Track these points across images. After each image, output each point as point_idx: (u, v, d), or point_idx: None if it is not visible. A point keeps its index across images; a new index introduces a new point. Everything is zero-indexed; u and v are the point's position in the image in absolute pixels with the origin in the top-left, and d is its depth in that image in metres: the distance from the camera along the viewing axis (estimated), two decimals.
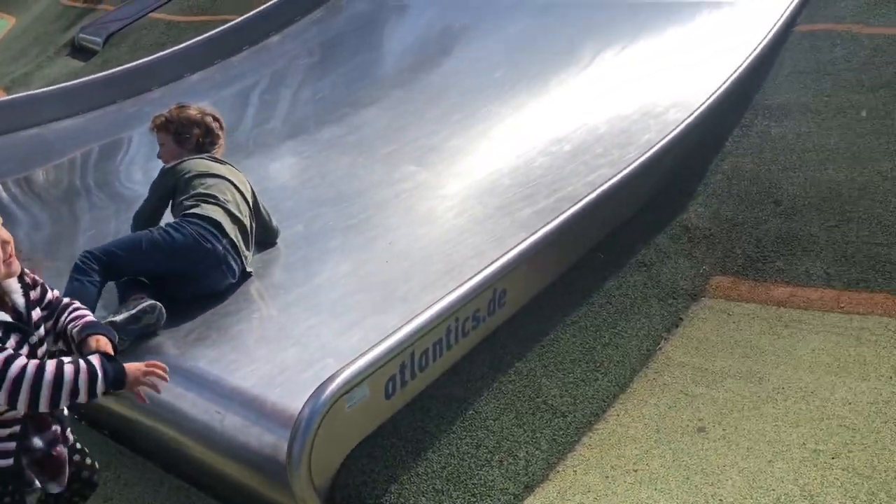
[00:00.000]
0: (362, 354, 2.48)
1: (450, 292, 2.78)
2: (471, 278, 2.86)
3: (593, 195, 3.66)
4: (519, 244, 3.13)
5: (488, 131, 5.01)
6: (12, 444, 1.96)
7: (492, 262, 2.99)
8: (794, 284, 3.57)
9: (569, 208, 3.50)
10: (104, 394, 1.90)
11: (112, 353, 2.00)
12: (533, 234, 3.24)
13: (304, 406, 2.31)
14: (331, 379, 2.36)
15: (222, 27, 7.15)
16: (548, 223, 3.34)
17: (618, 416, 2.97)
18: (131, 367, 1.97)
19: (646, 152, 4.02)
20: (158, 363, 2.03)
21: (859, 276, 3.51)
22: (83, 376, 1.84)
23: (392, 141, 5.02)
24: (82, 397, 1.86)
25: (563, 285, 3.45)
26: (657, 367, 3.22)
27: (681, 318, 3.50)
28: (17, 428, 1.94)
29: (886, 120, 4.19)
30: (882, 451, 2.66)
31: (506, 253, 3.07)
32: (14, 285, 1.96)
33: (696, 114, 4.28)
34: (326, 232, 3.93)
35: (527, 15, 6.48)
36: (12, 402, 1.80)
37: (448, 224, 3.91)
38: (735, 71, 4.60)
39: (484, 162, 4.62)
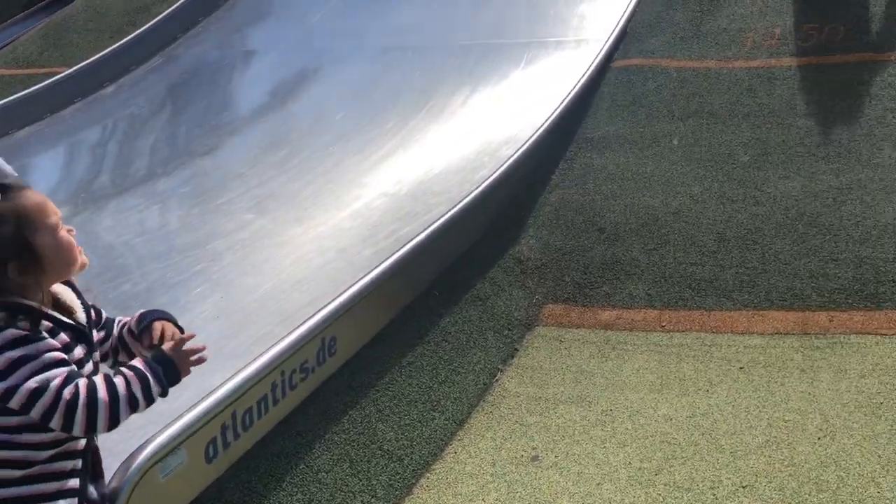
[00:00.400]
0: (176, 419, 2.39)
1: (271, 346, 2.73)
2: (294, 329, 2.82)
3: (425, 233, 3.72)
4: (346, 290, 3.12)
5: (328, 174, 4.99)
6: (76, 482, 1.75)
7: (317, 311, 2.95)
8: (620, 307, 3.74)
9: (399, 249, 3.53)
10: (163, 394, 1.77)
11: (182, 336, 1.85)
12: (361, 278, 3.24)
13: (111, 479, 2.18)
14: (140, 448, 2.25)
15: (52, 79, 6.82)
16: (376, 266, 3.35)
17: (455, 453, 2.99)
18: (171, 354, 1.80)
19: (476, 188, 4.13)
20: (183, 338, 1.85)
21: (677, 296, 3.71)
22: (135, 385, 1.70)
23: (228, 190, 4.91)
24: (142, 407, 1.72)
25: (398, 326, 3.46)
26: (493, 400, 3.27)
27: (516, 349, 3.58)
28: (78, 462, 1.75)
29: (695, 147, 4.49)
30: (700, 462, 2.80)
31: (333, 300, 3.04)
32: (77, 303, 1.79)
33: (522, 149, 4.45)
34: (155, 289, 3.79)
35: (367, 57, 6.54)
36: (67, 424, 1.62)
37: (284, 273, 3.85)
38: (557, 107, 4.82)
39: (324, 206, 4.59)
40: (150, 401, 1.73)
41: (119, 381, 1.69)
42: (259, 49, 7.47)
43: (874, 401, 2.96)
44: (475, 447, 3.01)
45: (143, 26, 7.27)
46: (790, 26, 5.20)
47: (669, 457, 2.85)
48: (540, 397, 3.26)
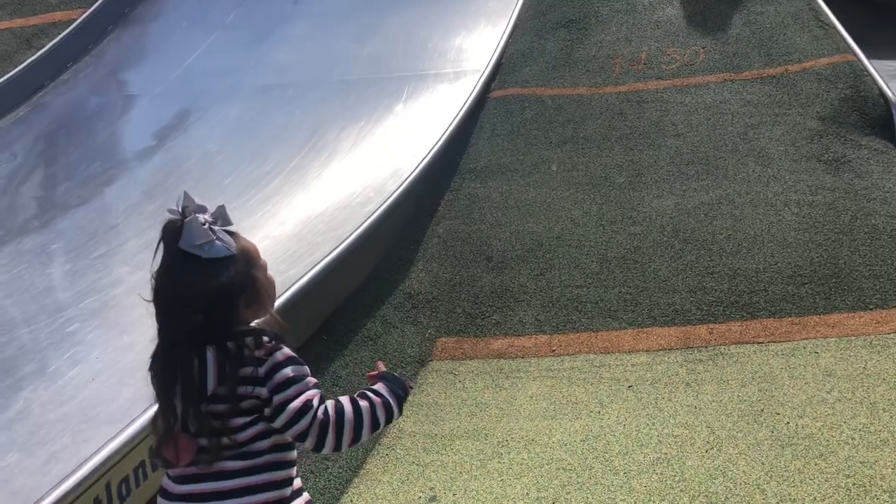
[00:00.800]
0: (46, 493, 2.22)
1: (147, 408, 2.58)
2: None
3: (310, 275, 3.64)
4: None
5: None
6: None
7: None
8: (511, 335, 3.75)
9: (283, 293, 3.43)
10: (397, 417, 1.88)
11: None
12: None
13: None
14: None
15: None
16: None
17: (352, 501, 2.90)
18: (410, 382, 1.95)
19: (362, 224, 4.09)
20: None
21: (565, 319, 3.76)
22: (379, 411, 1.81)
23: (102, 243, 4.69)
24: (381, 429, 1.86)
25: None
26: (389, 442, 3.20)
27: (411, 387, 3.51)
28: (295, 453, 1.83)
29: (573, 172, 4.60)
30: (595, 486, 2.81)
31: None
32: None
33: (406, 182, 4.45)
34: (23, 355, 3.54)
35: (244, 97, 6.42)
36: (318, 443, 1.73)
37: None
38: (440, 139, 4.85)
39: None
40: (388, 424, 1.86)
41: (364, 405, 1.80)
42: (133, 93, 7.23)
43: (755, 408, 3.06)
44: (372, 493, 2.93)
45: (4, 75, 6.91)
46: (654, 51, 5.44)
47: (566, 483, 2.85)
48: (436, 434, 3.22)
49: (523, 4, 6.38)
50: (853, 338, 3.35)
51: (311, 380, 1.75)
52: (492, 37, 6.18)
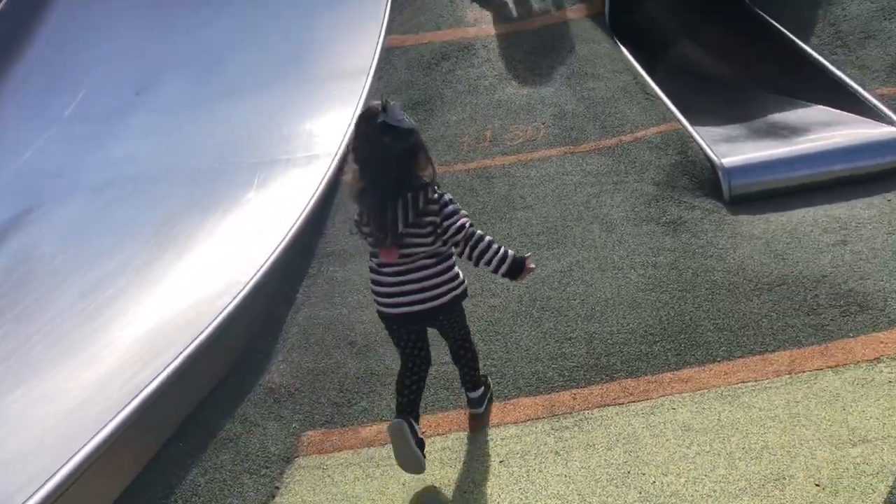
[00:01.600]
0: None
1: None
2: None
3: (162, 377, 3.45)
4: (68, 460, 2.75)
5: (48, 326, 4.51)
6: None
7: (32, 494, 2.56)
8: (380, 421, 3.66)
9: (132, 400, 3.22)
10: (503, 275, 3.08)
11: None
12: (87, 442, 2.88)
13: None
14: None
15: None
16: (106, 424, 3.01)
17: None
18: (527, 264, 3.11)
19: (216, 318, 3.94)
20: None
21: (433, 398, 3.72)
22: (500, 251, 3.06)
23: None
24: (492, 267, 3.06)
25: (138, 488, 3.11)
26: None
27: (277, 487, 3.36)
28: None
29: None
30: None
31: (51, 476, 2.67)
32: None
33: (261, 271, 4.34)
34: None
35: (83, 195, 6.09)
36: (463, 245, 3.03)
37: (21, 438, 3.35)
38: (293, 224, 4.79)
39: (44, 363, 4.13)
40: (494, 271, 3.07)
41: (495, 247, 3.05)
42: None
43: (622, 470, 3.11)
44: None
45: None
46: (498, 128, 5.65)
47: None
48: None
49: (370, 88, 6.49)
50: (705, 391, 3.49)
51: (464, 211, 3.01)
52: (342, 119, 6.22)
